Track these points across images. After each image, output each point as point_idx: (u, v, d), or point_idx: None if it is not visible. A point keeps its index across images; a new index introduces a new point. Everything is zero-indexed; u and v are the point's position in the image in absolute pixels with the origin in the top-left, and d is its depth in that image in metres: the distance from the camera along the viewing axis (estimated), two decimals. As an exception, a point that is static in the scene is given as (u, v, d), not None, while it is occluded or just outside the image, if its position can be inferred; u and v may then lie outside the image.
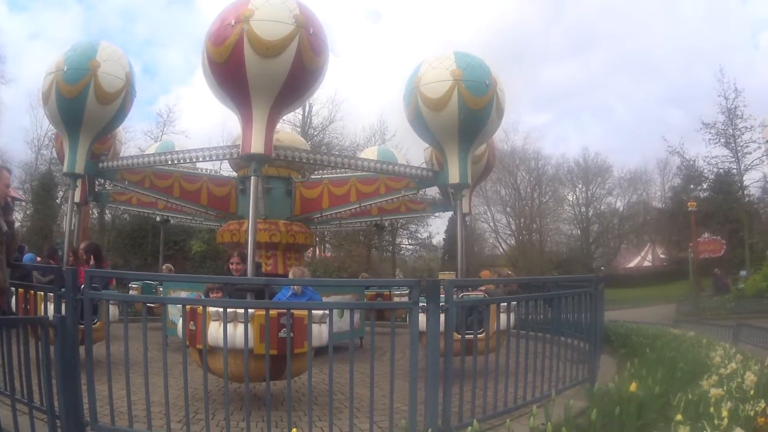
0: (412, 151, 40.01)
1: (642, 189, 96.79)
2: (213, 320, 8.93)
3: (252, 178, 14.02)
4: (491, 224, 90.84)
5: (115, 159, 17.72)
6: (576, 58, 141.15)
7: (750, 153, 62.09)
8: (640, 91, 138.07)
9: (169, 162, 16.51)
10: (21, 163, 60.88)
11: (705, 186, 76.32)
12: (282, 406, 9.14)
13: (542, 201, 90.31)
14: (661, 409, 8.01)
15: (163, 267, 25.42)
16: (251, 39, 12.81)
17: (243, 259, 13.02)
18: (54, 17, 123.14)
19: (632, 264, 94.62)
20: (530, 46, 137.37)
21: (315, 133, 63.76)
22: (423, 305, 7.84)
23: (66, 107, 15.50)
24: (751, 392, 7.94)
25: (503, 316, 11.23)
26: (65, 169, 16.41)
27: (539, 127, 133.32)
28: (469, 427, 6.98)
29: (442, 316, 7.98)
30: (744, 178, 64.34)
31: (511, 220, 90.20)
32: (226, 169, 25.70)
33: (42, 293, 10.21)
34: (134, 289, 20.90)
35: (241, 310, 8.56)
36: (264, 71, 13.19)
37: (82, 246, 16.11)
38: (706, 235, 66.74)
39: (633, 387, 8.26)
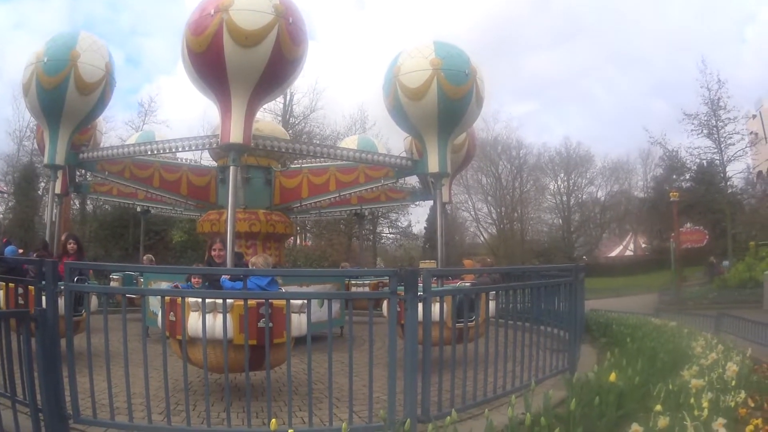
0: (393, 140, 40.00)
1: (624, 179, 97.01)
2: (192, 311, 8.90)
3: (231, 167, 14.01)
4: (472, 213, 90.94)
5: (96, 150, 17.67)
6: (561, 48, 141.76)
7: (733, 144, 62.09)
8: (624, 82, 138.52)
9: (149, 152, 16.45)
10: (3, 154, 60.53)
11: (687, 176, 76.67)
12: (262, 396, 9.13)
13: (523, 190, 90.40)
14: (641, 399, 8.04)
15: (144, 258, 25.37)
16: (230, 28, 12.78)
17: (225, 245, 13.02)
18: (38, 6, 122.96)
19: (614, 253, 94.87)
20: (515, 35, 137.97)
21: (296, 122, 63.64)
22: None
23: (46, 98, 15.47)
24: (733, 383, 7.97)
25: (484, 306, 11.23)
26: (46, 160, 16.39)
27: (522, 116, 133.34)
28: (448, 417, 6.99)
29: (437, 306, 8.00)
30: (727, 169, 64.36)
31: (492, 208, 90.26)
32: (207, 159, 25.66)
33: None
34: (115, 280, 20.86)
35: (220, 301, 8.53)
36: (243, 61, 13.18)
37: (63, 237, 16.06)
38: (688, 225, 66.97)
39: (612, 377, 8.29)
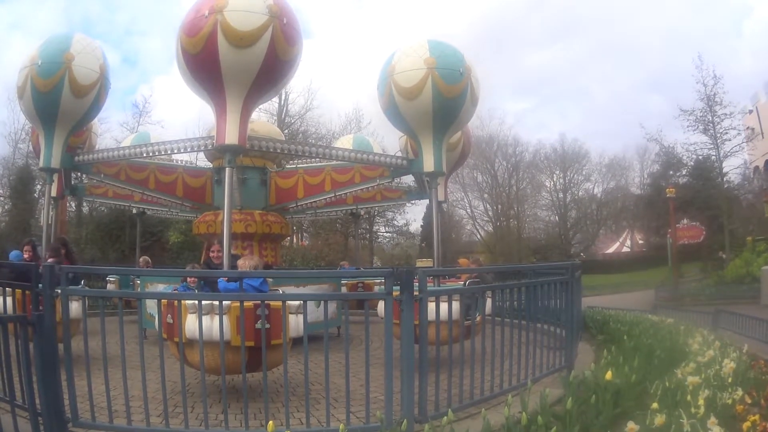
0: (388, 139, 40.03)
1: (620, 175, 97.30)
2: (190, 313, 8.90)
3: (227, 169, 14.01)
4: (468, 211, 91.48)
5: (91, 152, 17.70)
6: (557, 45, 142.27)
7: (729, 140, 62.10)
8: (621, 78, 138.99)
9: (144, 154, 16.42)
10: (-2, 157, 60.51)
11: (684, 172, 76.74)
12: (260, 397, 9.15)
13: (520, 187, 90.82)
14: (638, 397, 8.06)
15: (141, 259, 25.35)
16: (225, 29, 12.78)
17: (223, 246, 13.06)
18: (33, 7, 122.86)
19: (611, 250, 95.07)
20: (511, 32, 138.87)
21: (292, 122, 63.79)
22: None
23: (41, 101, 15.42)
24: (729, 380, 7.98)
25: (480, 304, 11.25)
26: (41, 163, 16.36)
27: (518, 113, 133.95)
28: (445, 417, 7.01)
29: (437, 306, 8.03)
30: (723, 165, 64.34)
31: (488, 206, 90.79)
32: (202, 160, 25.65)
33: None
34: (111, 282, 20.84)
35: (217, 302, 8.53)
36: (238, 62, 13.17)
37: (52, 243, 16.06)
38: (685, 221, 67.15)
39: (609, 375, 8.31)
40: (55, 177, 17.55)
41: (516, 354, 9.80)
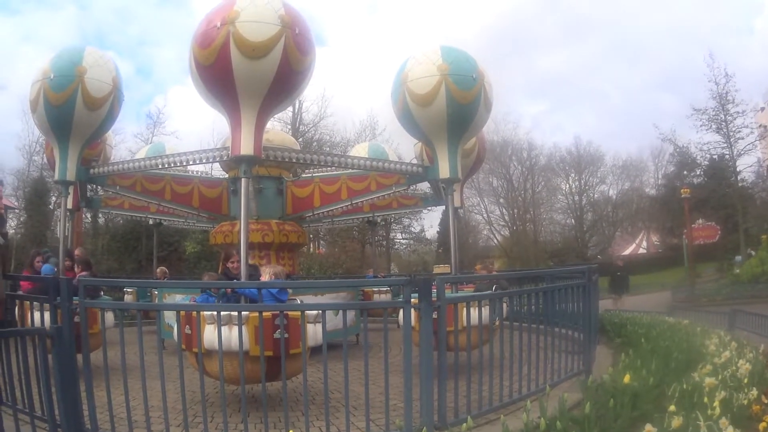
0: (404, 145, 40.15)
1: (635, 176, 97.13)
2: (208, 323, 8.94)
3: (242, 179, 14.03)
4: (485, 216, 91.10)
5: (106, 164, 17.67)
6: (569, 47, 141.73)
7: (743, 138, 61.89)
8: (634, 78, 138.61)
9: (159, 166, 16.44)
10: (13, 169, 60.59)
11: (698, 172, 76.63)
12: (279, 406, 9.17)
13: (535, 191, 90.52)
14: (655, 399, 8.06)
15: (158, 270, 25.43)
16: (237, 41, 12.79)
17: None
18: (46, 19, 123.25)
19: (627, 252, 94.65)
20: (524, 34, 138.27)
21: (306, 130, 63.69)
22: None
23: (54, 115, 15.44)
24: (745, 380, 7.99)
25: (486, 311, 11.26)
26: (56, 177, 16.35)
27: (533, 116, 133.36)
28: (464, 424, 7.04)
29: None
30: (737, 163, 64.13)
31: (504, 210, 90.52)
32: (218, 170, 25.70)
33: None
34: (129, 293, 20.91)
35: (236, 313, 8.56)
36: (251, 73, 13.18)
37: (77, 253, 16.11)
38: (700, 221, 67.00)
39: (627, 378, 8.32)
40: (71, 189, 17.57)
41: (534, 359, 9.83)
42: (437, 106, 15.02)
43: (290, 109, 58.90)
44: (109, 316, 11.02)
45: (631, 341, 13.84)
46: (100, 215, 53.62)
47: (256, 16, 12.96)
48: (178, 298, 14.97)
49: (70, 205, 18.28)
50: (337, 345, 11.22)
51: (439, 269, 46.66)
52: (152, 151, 22.25)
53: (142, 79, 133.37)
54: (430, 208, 26.14)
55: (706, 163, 71.84)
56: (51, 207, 56.16)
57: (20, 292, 11.85)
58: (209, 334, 8.86)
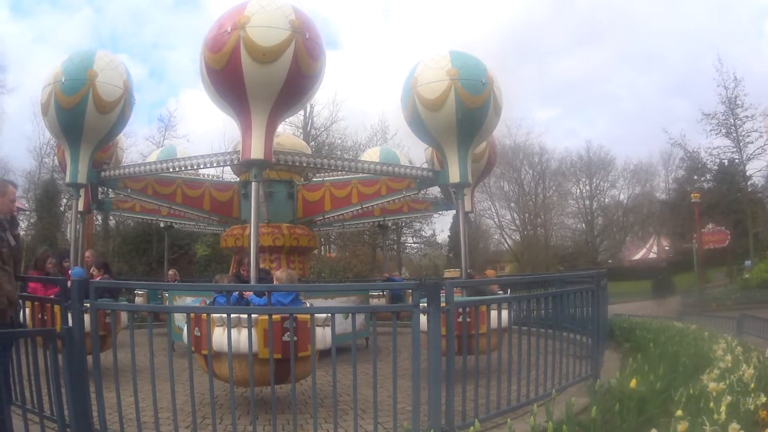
0: (415, 150, 40.07)
1: (645, 181, 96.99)
2: (217, 326, 8.98)
3: (253, 183, 14.06)
4: (496, 220, 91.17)
5: (117, 168, 17.76)
6: (580, 52, 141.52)
7: (752, 142, 61.88)
8: (645, 82, 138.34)
9: (170, 169, 16.51)
10: (24, 171, 60.67)
11: (708, 177, 76.57)
12: (288, 409, 9.20)
13: (546, 195, 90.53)
14: (662, 404, 8.08)
15: (169, 272, 25.50)
16: (248, 45, 12.86)
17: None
18: (59, 21, 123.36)
19: (638, 256, 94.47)
20: (536, 39, 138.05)
21: (317, 134, 63.82)
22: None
23: (65, 118, 15.55)
24: (752, 385, 7.99)
25: (505, 314, 11.26)
26: (68, 179, 16.41)
27: (545, 120, 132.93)
28: (471, 427, 7.07)
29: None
30: (747, 168, 64.09)
31: (515, 215, 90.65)
32: (229, 174, 25.75)
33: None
34: (140, 295, 20.96)
35: (245, 315, 8.60)
36: (261, 77, 13.24)
37: (87, 256, 16.14)
38: (710, 225, 66.89)
39: (633, 383, 8.34)
40: (82, 192, 17.63)
41: (542, 363, 9.85)
42: (446, 111, 15.06)
43: (301, 112, 59.09)
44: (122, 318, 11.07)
45: (640, 346, 13.81)
46: (111, 218, 53.81)
47: (267, 21, 13.02)
48: (189, 300, 14.99)
49: (81, 208, 18.37)
50: (346, 348, 11.26)
51: (450, 274, 46.63)
52: (163, 154, 22.34)
53: (155, 82, 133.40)
54: (441, 212, 26.05)
55: (716, 167, 71.81)
56: (61, 209, 56.30)
57: (26, 294, 11.86)
58: (218, 337, 8.91)
